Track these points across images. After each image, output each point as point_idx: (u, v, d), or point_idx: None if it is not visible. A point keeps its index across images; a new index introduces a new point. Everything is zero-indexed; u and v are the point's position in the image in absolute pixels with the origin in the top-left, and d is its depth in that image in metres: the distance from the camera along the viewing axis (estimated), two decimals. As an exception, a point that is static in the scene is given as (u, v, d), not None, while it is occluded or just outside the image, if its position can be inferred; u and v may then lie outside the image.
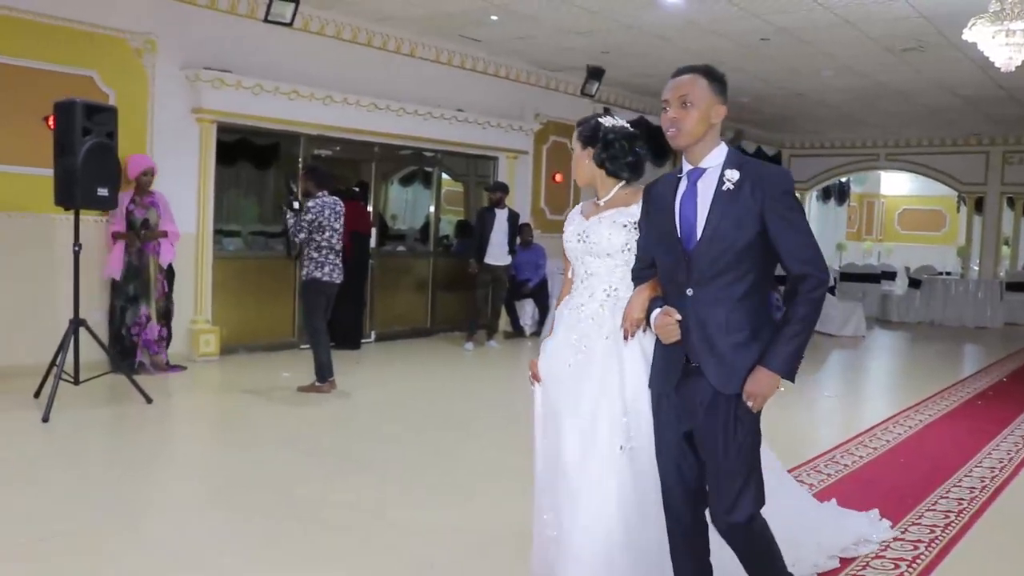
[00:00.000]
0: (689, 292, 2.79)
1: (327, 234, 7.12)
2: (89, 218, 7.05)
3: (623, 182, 3.27)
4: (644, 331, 3.02)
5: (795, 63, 10.91)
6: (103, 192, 6.31)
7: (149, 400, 6.51)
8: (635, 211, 3.10)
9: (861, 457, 5.81)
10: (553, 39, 10.17)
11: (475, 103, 11.15)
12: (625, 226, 3.16)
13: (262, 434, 6.10)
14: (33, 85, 7.26)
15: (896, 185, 22.60)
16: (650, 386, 2.97)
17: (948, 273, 17.16)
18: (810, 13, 8.61)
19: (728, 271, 2.74)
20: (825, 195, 20.57)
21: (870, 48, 10.01)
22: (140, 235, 7.70)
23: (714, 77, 2.82)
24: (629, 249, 3.15)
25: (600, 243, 3.18)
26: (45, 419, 5.87)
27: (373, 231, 10.25)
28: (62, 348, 6.26)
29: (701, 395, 2.79)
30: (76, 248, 6.33)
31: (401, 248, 11.99)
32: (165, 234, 7.84)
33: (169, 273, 7.99)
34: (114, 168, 6.46)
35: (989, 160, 16.61)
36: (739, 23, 9.10)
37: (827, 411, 7.73)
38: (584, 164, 3.29)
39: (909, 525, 4.43)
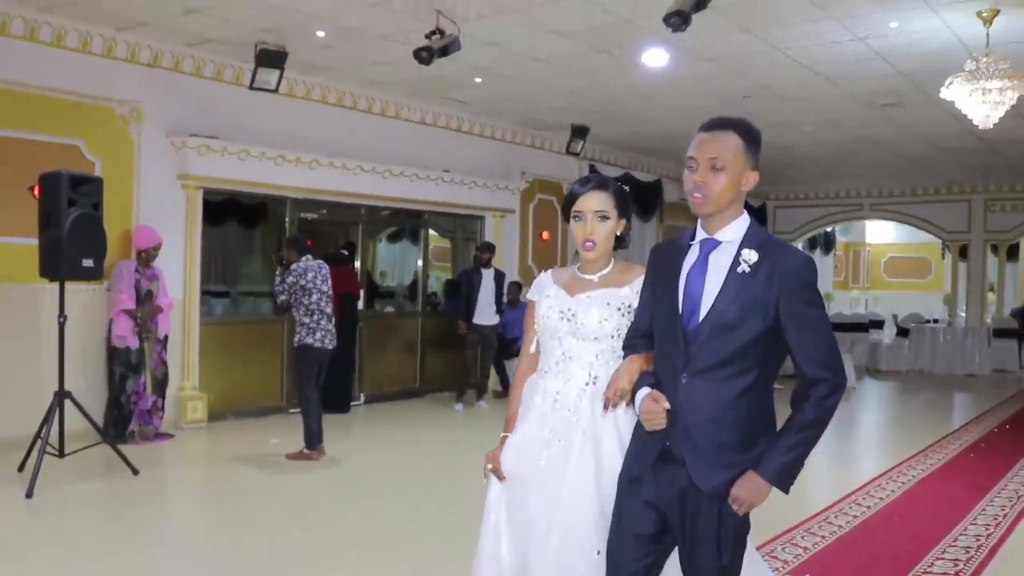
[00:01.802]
0: (684, 379, 2.46)
1: (315, 297, 7.11)
2: (76, 287, 7.01)
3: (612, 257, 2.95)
4: (627, 406, 2.69)
5: (777, 118, 11.04)
6: (88, 263, 6.30)
7: (136, 472, 6.42)
8: (627, 293, 2.81)
9: (855, 517, 5.76)
10: (537, 100, 10.29)
11: (461, 163, 11.23)
12: (619, 309, 2.81)
13: (250, 507, 6.01)
14: (19, 155, 7.28)
15: (881, 233, 22.78)
16: (620, 472, 2.64)
17: (936, 321, 17.23)
18: (790, 72, 8.74)
19: (730, 363, 2.43)
20: (811, 245, 20.68)
21: (850, 104, 10.16)
22: (144, 312, 7.76)
23: (751, 137, 2.49)
24: (618, 334, 2.80)
25: (589, 326, 2.80)
26: (29, 495, 5.77)
27: (362, 292, 10.24)
28: (46, 421, 6.19)
29: (680, 487, 2.49)
30: (61, 320, 6.29)
31: (390, 308, 11.99)
32: (160, 309, 7.89)
33: (164, 343, 8.01)
34: (100, 239, 6.44)
35: (972, 208, 16.77)
36: (721, 82, 9.23)
37: (819, 469, 7.68)
38: (612, 238, 2.88)
39: (906, 590, 4.38)
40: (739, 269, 2.44)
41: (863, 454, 8.97)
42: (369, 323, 10.53)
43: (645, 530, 2.55)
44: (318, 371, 7.23)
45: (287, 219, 9.53)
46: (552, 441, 2.78)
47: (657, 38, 7.63)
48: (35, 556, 4.82)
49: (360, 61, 8.79)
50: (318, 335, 7.11)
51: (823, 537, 5.26)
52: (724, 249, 2.50)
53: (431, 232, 11.90)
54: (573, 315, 2.83)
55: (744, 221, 2.52)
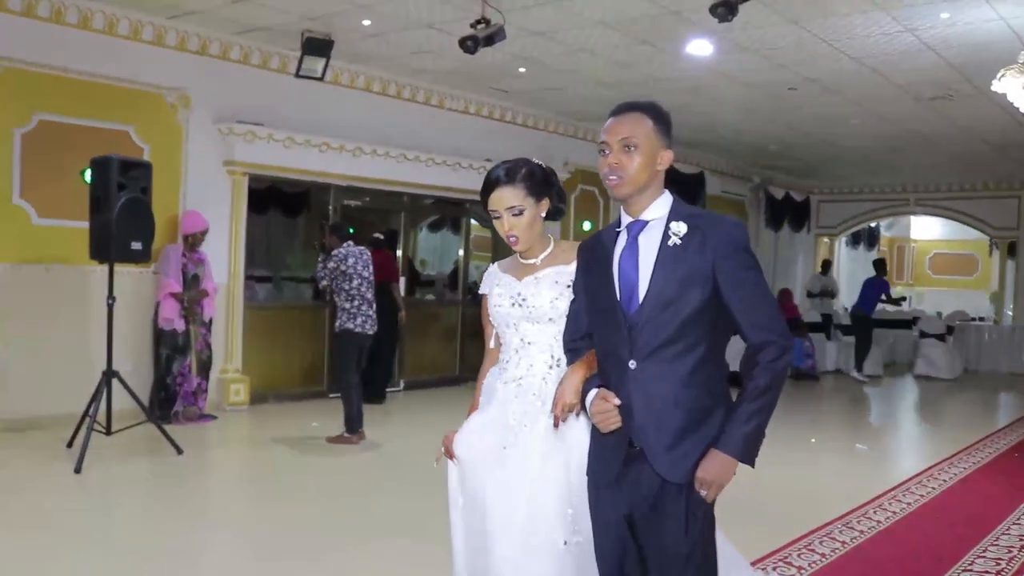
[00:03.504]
0: (632, 366, 2.39)
1: (355, 282, 7.20)
2: (125, 269, 7.16)
3: (550, 236, 2.87)
4: (578, 417, 2.60)
5: (823, 111, 10.94)
6: (136, 246, 6.45)
7: (180, 451, 6.56)
8: (575, 268, 2.68)
9: (894, 513, 5.71)
10: (581, 90, 10.28)
11: (504, 153, 11.14)
12: (568, 286, 2.70)
13: (289, 487, 6.12)
14: (71, 140, 7.44)
15: (927, 229, 22.41)
16: (587, 474, 2.55)
17: (981, 319, 16.94)
18: (838, 63, 8.64)
19: (676, 340, 2.37)
20: (854, 240, 20.43)
21: (898, 97, 10.02)
22: (191, 296, 7.92)
23: (660, 117, 2.48)
24: None
25: (541, 307, 2.71)
26: (77, 470, 5.92)
27: (402, 280, 10.31)
28: (95, 399, 6.34)
29: (647, 485, 2.39)
30: (110, 301, 6.44)
31: (430, 296, 12.06)
32: (206, 293, 8.04)
33: (209, 326, 8.17)
34: (148, 223, 6.59)
35: (1021, 204, 16.46)
36: (767, 74, 9.15)
37: (859, 464, 7.62)
38: (538, 222, 2.78)
39: (945, 587, 4.34)
40: (670, 243, 2.40)
41: (904, 450, 8.88)
42: (409, 311, 10.60)
43: (625, 527, 2.47)
44: (358, 356, 7.31)
45: (330, 206, 9.63)
46: (518, 427, 2.70)
47: (703, 29, 7.59)
48: (82, 529, 4.96)
49: (405, 50, 8.85)
50: (359, 320, 7.19)
51: (861, 532, 5.22)
52: (652, 227, 2.46)
53: (472, 222, 11.95)
54: (524, 299, 2.75)
55: (667, 198, 2.50)
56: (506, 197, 2.72)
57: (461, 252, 11.80)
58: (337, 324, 7.32)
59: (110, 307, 6.44)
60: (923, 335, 14.84)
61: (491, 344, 2.92)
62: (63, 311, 7.50)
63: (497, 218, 2.75)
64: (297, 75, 8.60)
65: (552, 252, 2.81)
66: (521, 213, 2.72)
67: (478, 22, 7.12)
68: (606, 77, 9.56)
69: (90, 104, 7.61)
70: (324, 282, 7.32)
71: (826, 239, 19.00)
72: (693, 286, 2.36)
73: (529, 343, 2.75)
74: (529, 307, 2.73)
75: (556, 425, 2.59)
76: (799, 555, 4.71)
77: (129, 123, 7.89)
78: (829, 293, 15.68)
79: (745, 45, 8.15)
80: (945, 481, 6.71)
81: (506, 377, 2.77)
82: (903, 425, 10.71)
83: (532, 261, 2.80)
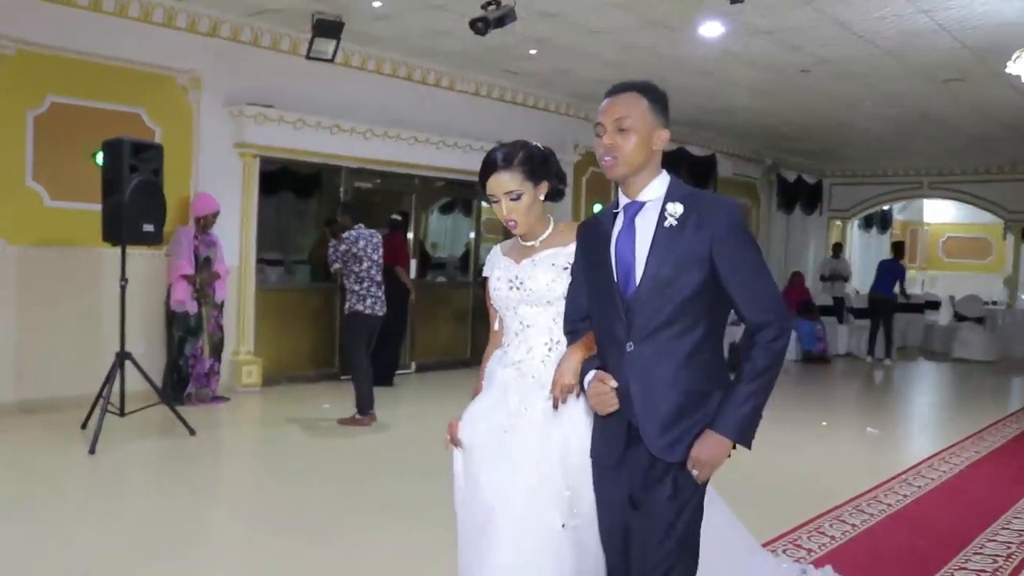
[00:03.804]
0: (629, 348, 2.39)
1: (365, 265, 7.23)
2: (137, 251, 7.19)
3: (550, 217, 2.83)
4: (577, 398, 2.59)
5: (835, 93, 10.87)
6: (149, 228, 6.47)
7: (192, 432, 6.60)
8: (573, 250, 2.67)
9: (905, 496, 5.71)
10: (592, 72, 10.22)
11: (515, 135, 10.93)
12: (565, 268, 2.68)
13: (300, 468, 6.15)
14: (83, 122, 7.46)
15: (940, 213, 22.28)
16: (591, 455, 2.55)
17: (995, 303, 16.85)
18: (850, 46, 8.58)
19: (674, 322, 2.36)
20: (867, 224, 20.33)
21: (911, 79, 9.95)
22: (203, 278, 7.94)
23: (655, 97, 2.45)
24: None
25: (538, 290, 2.69)
26: (91, 451, 5.97)
27: (412, 263, 10.32)
28: (108, 380, 6.39)
29: (643, 464, 2.39)
30: (122, 283, 6.46)
31: (441, 279, 12.07)
32: (218, 276, 8.06)
33: (220, 308, 8.21)
34: (160, 205, 6.61)
35: (1036, 187, 16.35)
36: (778, 56, 9.10)
37: (870, 447, 7.61)
38: (538, 205, 2.75)
39: (955, 569, 4.34)
40: (666, 224, 2.38)
41: (915, 434, 8.87)
42: (420, 293, 10.62)
43: (629, 509, 2.46)
44: (368, 338, 7.34)
45: (341, 188, 9.64)
46: (518, 411, 2.68)
47: (714, 11, 7.54)
48: (97, 508, 5.01)
49: (416, 31, 8.82)
50: (368, 302, 7.23)
51: (871, 515, 5.22)
52: (649, 209, 2.44)
53: (483, 204, 11.94)
54: (521, 282, 2.73)
55: (664, 179, 2.47)
56: (504, 182, 2.69)
57: (472, 235, 11.80)
58: (347, 306, 7.35)
59: (122, 289, 6.47)
60: (960, 318, 14.82)
61: (495, 327, 2.90)
62: (76, 293, 7.54)
63: (495, 202, 2.73)
64: (308, 57, 8.59)
65: (551, 234, 2.77)
66: (519, 197, 2.69)
67: (488, 3, 7.10)
68: (617, 59, 9.51)
69: (102, 86, 7.62)
70: (336, 265, 7.34)
71: (838, 222, 18.91)
72: (690, 267, 2.34)
73: (528, 326, 2.73)
74: (526, 290, 2.71)
75: (555, 407, 2.58)
76: (809, 537, 4.72)
77: (140, 105, 7.90)
78: (841, 277, 15.63)
79: (758, 27, 8.09)
80: (956, 465, 6.71)
81: (506, 360, 2.77)
82: (914, 408, 10.69)
83: (531, 243, 2.77)
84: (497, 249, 2.91)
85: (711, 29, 8.20)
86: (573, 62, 9.78)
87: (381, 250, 7.44)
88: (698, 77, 10.22)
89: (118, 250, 6.52)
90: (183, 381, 7.88)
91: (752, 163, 16.39)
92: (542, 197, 2.75)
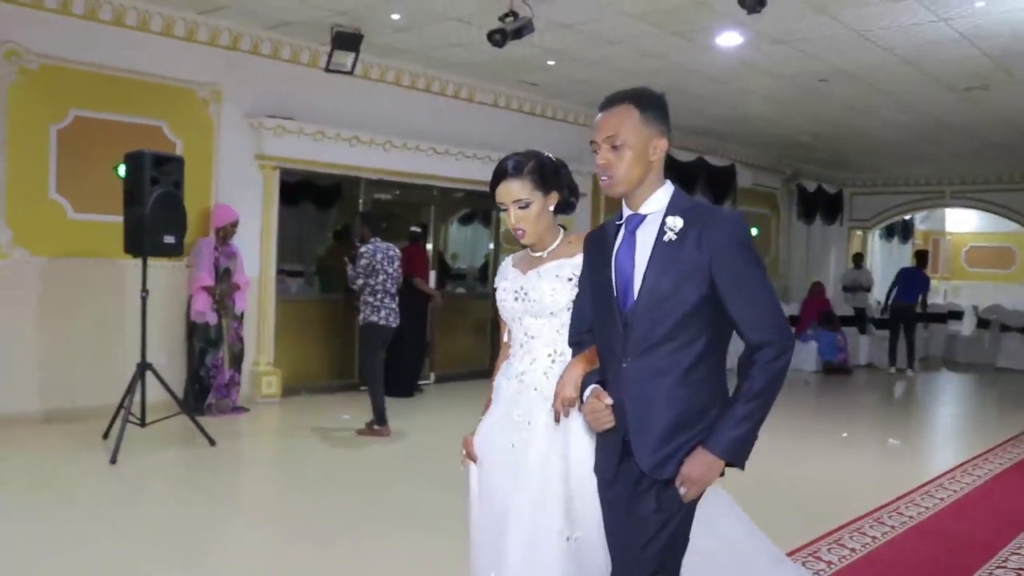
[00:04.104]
0: (625, 363, 2.34)
1: (381, 278, 7.30)
2: (158, 263, 7.26)
3: (560, 229, 2.80)
4: (579, 411, 2.55)
5: (854, 102, 10.82)
6: (169, 240, 6.52)
7: (212, 442, 6.64)
8: (579, 261, 2.64)
9: (926, 508, 5.66)
10: (610, 82, 10.19)
11: (533, 146, 10.86)
12: (570, 279, 2.65)
13: (318, 478, 6.17)
14: (106, 135, 7.54)
15: (962, 222, 22.12)
16: (595, 470, 2.52)
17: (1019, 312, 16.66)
18: (868, 54, 8.55)
19: (672, 338, 2.29)
20: (888, 233, 20.21)
21: (931, 87, 9.89)
22: (221, 290, 7.99)
23: (650, 105, 2.36)
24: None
25: (542, 301, 2.67)
26: (113, 460, 6.02)
27: (432, 274, 10.34)
28: (129, 391, 6.44)
29: (633, 475, 2.35)
30: (143, 294, 6.52)
31: (461, 289, 12.09)
32: (237, 287, 8.11)
33: (240, 319, 8.26)
34: (181, 217, 6.66)
35: (1060, 196, 16.20)
36: (796, 65, 9.07)
37: (891, 459, 7.55)
38: (547, 215, 2.73)
39: (977, 583, 4.30)
40: (665, 238, 2.31)
41: (938, 446, 8.78)
42: (443, 303, 10.64)
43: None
44: (382, 347, 7.42)
45: (360, 199, 9.68)
46: (522, 424, 2.67)
47: (732, 20, 7.53)
48: (118, 517, 5.04)
49: (434, 43, 8.87)
50: (383, 313, 7.30)
51: (892, 528, 5.18)
52: (650, 221, 2.38)
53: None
54: (526, 294, 2.71)
55: (667, 190, 2.41)
56: (513, 190, 2.69)
57: (491, 245, 11.82)
58: (361, 317, 7.41)
59: (144, 300, 6.53)
60: (1004, 328, 14.72)
61: (505, 338, 2.88)
62: (99, 304, 7.61)
63: (504, 210, 2.74)
64: (327, 69, 8.65)
65: (559, 245, 2.75)
66: (528, 206, 2.68)
67: (506, 15, 7.13)
68: (635, 69, 9.51)
69: (124, 99, 7.71)
70: (359, 281, 7.35)
71: (859, 232, 18.81)
72: (689, 283, 2.27)
73: (532, 337, 2.71)
74: (530, 301, 2.69)
75: (557, 420, 2.57)
76: (829, 550, 4.69)
77: (162, 118, 7.98)
78: (862, 287, 15.52)
79: (775, 36, 8.08)
80: (979, 477, 6.64)
81: (510, 373, 2.75)
82: (937, 419, 10.59)
83: (539, 254, 2.75)
84: (508, 260, 2.91)
85: (728, 39, 8.20)
86: (591, 72, 9.79)
87: (397, 263, 7.49)
88: (716, 87, 10.21)
89: (140, 261, 6.58)
90: (204, 392, 7.94)
91: (772, 173, 16.34)
92: (552, 208, 2.74)
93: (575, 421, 2.58)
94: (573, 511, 2.57)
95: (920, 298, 13.45)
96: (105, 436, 6.57)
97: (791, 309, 13.84)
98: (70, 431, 6.94)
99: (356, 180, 9.60)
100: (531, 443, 2.63)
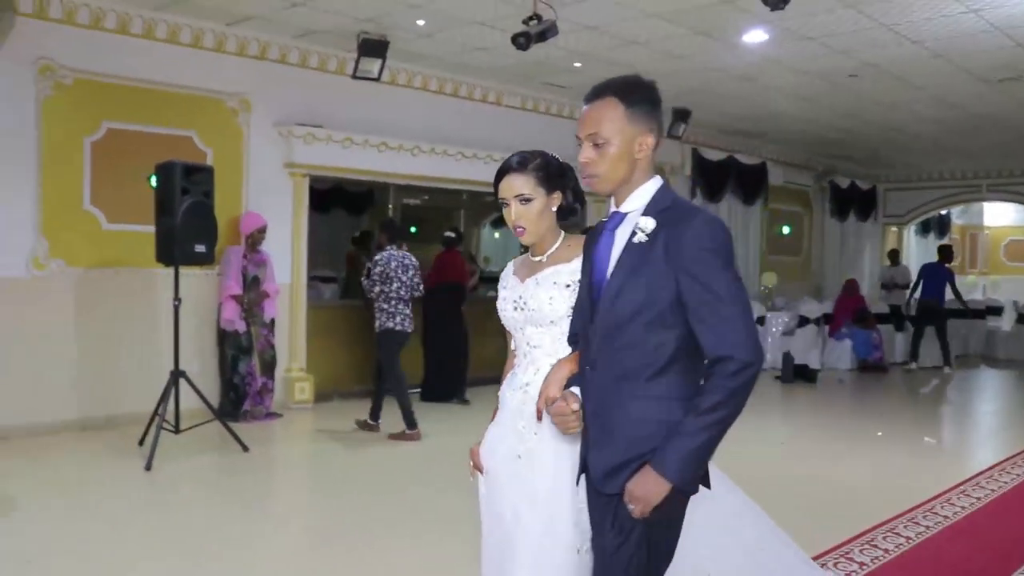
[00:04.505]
0: (588, 369, 2.24)
1: (395, 285, 7.47)
2: (190, 272, 7.36)
3: (562, 232, 2.70)
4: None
5: (885, 97, 10.70)
6: (200, 249, 6.61)
7: (246, 448, 6.71)
8: (577, 266, 2.53)
9: (962, 508, 5.58)
10: (637, 83, 10.19)
11: (563, 148, 11.01)
12: (568, 286, 2.54)
13: (351, 482, 6.21)
14: (138, 147, 7.65)
15: (1001, 216, 21.76)
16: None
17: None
18: (898, 48, 8.45)
19: (635, 345, 2.15)
20: (924, 229, 19.94)
21: (964, 80, 9.75)
22: (250, 298, 8.07)
23: (637, 98, 2.23)
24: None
25: (540, 310, 2.58)
26: (148, 467, 6.11)
27: (475, 276, 10.28)
28: (163, 399, 6.53)
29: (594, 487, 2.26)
30: (176, 302, 6.61)
31: (492, 293, 12.09)
32: (266, 295, 8.19)
33: (271, 326, 8.32)
34: (211, 226, 6.74)
35: (1100, 188, 15.90)
36: (824, 60, 8.99)
37: (927, 458, 7.45)
38: (548, 216, 2.64)
39: (1013, 583, 4.24)
40: (636, 239, 2.17)
41: (975, 444, 8.65)
42: (473, 308, 10.64)
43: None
44: (399, 353, 7.57)
45: (390, 205, 9.74)
46: (528, 434, 2.58)
47: (756, 18, 7.48)
48: (154, 523, 5.11)
49: (460, 48, 8.90)
50: (398, 319, 7.46)
51: (927, 528, 5.12)
52: (629, 221, 2.24)
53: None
54: (524, 303, 2.63)
55: (651, 187, 2.25)
56: (515, 185, 2.62)
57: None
58: (377, 324, 7.54)
59: (176, 309, 6.62)
60: None
61: (512, 346, 2.81)
62: (132, 313, 7.73)
63: (506, 206, 2.65)
64: (354, 76, 8.71)
65: (558, 249, 2.65)
66: (529, 202, 2.60)
67: (530, 18, 7.13)
68: (662, 69, 9.46)
69: (155, 111, 7.83)
70: (376, 288, 7.49)
71: (894, 228, 18.57)
72: (655, 288, 2.12)
73: (534, 347, 2.63)
74: (529, 310, 2.61)
75: (539, 418, 2.48)
76: (861, 551, 4.64)
77: (192, 128, 8.08)
78: (899, 285, 15.31)
79: (801, 32, 8.01)
80: (1018, 476, 6.53)
81: (515, 383, 2.67)
82: (974, 417, 10.43)
83: (539, 259, 2.66)
84: (509, 267, 2.82)
85: (754, 36, 8.15)
86: (618, 73, 9.71)
87: (411, 271, 7.59)
88: (743, 85, 10.14)
89: (171, 270, 6.68)
90: (240, 399, 8.02)
91: (804, 170, 16.19)
92: (555, 208, 2.65)
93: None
94: (582, 523, 2.47)
95: (953, 290, 13.23)
96: (140, 443, 6.66)
97: (825, 307, 13.71)
98: (106, 438, 7.06)
99: (385, 186, 9.66)
100: (537, 454, 2.55)
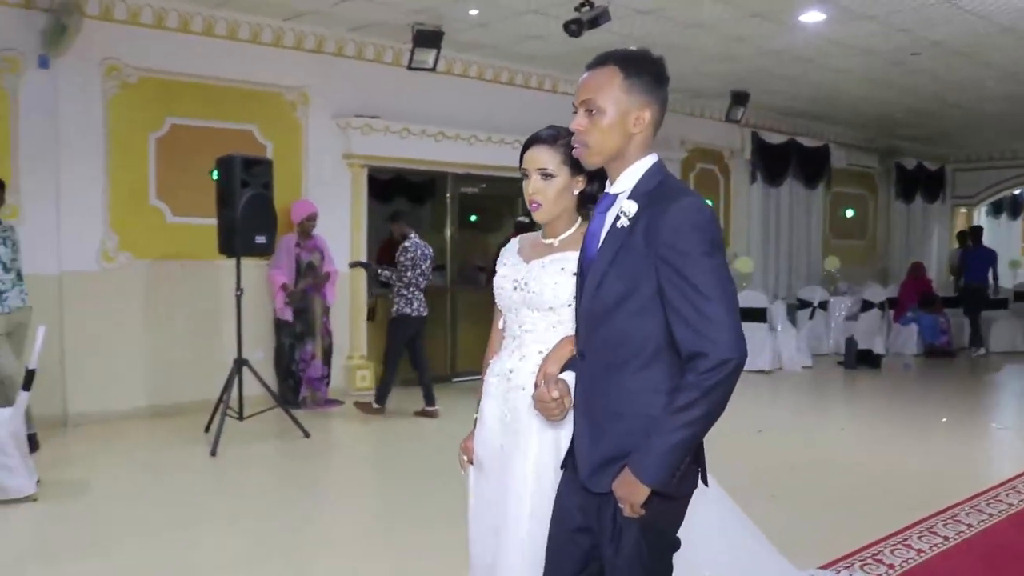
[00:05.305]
0: (579, 358, 2.17)
1: (416, 271, 7.73)
2: (251, 262, 7.54)
3: (579, 218, 2.57)
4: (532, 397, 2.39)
5: (951, 75, 10.43)
6: (261, 240, 6.76)
7: (307, 434, 6.87)
8: None
9: (1027, 495, 5.46)
10: (694, 67, 10.11)
11: None
12: (575, 274, 2.35)
13: (415, 468, 6.30)
14: (201, 142, 7.84)
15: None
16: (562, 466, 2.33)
17: None
18: (962, 24, 8.23)
19: (620, 335, 2.06)
20: (995, 210, 19.37)
21: (1034, 55, 9.46)
22: (308, 283, 8.17)
23: (637, 70, 2.11)
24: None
25: (543, 293, 2.46)
26: (213, 453, 6.30)
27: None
28: (227, 386, 6.71)
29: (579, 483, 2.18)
30: (238, 293, 6.78)
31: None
32: (327, 277, 8.30)
33: (327, 313, 8.46)
34: (270, 217, 6.89)
35: None
36: (886, 40, 8.80)
37: (993, 444, 7.29)
38: (568, 197, 2.51)
39: (1077, 571, 4.14)
40: (619, 223, 2.06)
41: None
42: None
43: (574, 523, 2.23)
44: (413, 336, 7.87)
45: (448, 194, 9.82)
46: (511, 425, 2.51)
47: (814, -2, 7.37)
48: (219, 507, 5.29)
49: (513, 37, 8.92)
50: (415, 305, 7.75)
51: (989, 515, 5.02)
52: (618, 203, 2.13)
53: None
54: (526, 284, 2.50)
55: (641, 166, 2.13)
56: (541, 157, 2.49)
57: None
58: (394, 309, 7.81)
59: (238, 299, 6.79)
60: None
61: (499, 325, 2.69)
62: (197, 304, 7.94)
63: (526, 178, 2.52)
64: (410, 67, 8.79)
65: (572, 235, 2.52)
66: (551, 178, 2.47)
67: (582, 5, 7.13)
68: (719, 52, 9.39)
69: (216, 106, 8.01)
70: (409, 273, 7.73)
71: (963, 209, 18.07)
72: (640, 277, 2.02)
73: (526, 331, 2.52)
74: (530, 292, 2.48)
75: (536, 387, 2.30)
76: (920, 537, 4.58)
77: (252, 122, 8.26)
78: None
79: (859, 11, 7.85)
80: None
81: (497, 369, 2.58)
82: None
83: (550, 241, 2.55)
84: (514, 243, 2.69)
85: (811, 16, 8.01)
86: (674, 57, 9.57)
87: (429, 261, 7.88)
88: (802, 66, 9.98)
89: (233, 262, 6.85)
90: (298, 386, 8.19)
91: (868, 152, 15.84)
92: (576, 192, 2.52)
93: (568, 420, 2.31)
94: None
95: (992, 273, 13.17)
96: (206, 429, 6.86)
97: (889, 292, 13.44)
98: (174, 424, 7.28)
99: (443, 175, 9.75)
100: (520, 446, 2.46)
